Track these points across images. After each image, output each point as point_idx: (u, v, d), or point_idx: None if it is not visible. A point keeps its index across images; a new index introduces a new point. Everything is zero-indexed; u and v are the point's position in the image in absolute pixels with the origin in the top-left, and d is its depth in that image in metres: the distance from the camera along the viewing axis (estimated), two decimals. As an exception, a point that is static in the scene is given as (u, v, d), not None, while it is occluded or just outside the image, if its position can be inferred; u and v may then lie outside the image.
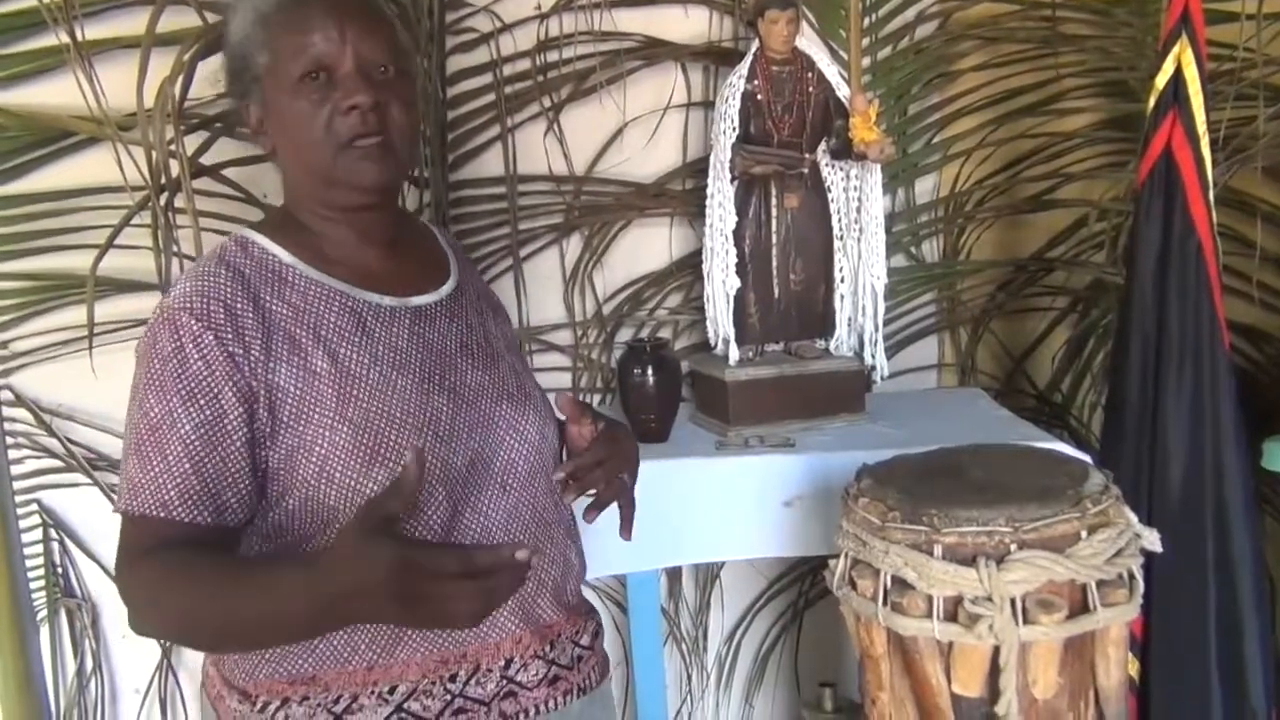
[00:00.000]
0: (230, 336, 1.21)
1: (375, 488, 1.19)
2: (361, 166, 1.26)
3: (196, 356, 1.20)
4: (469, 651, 1.27)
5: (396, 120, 1.27)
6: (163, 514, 1.18)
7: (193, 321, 1.21)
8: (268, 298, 1.26)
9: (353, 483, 1.21)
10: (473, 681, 1.27)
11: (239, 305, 1.23)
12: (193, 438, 1.19)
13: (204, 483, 1.19)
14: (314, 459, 1.21)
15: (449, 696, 1.25)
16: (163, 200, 1.78)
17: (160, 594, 1.18)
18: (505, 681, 1.29)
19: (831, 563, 1.54)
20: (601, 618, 1.47)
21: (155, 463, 1.19)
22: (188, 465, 1.18)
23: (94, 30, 1.92)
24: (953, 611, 1.38)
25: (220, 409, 1.20)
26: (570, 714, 1.35)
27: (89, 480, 2.07)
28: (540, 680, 1.32)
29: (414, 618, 1.07)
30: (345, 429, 1.21)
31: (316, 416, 1.22)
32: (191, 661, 2.19)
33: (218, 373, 1.20)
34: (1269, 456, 1.89)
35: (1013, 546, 1.37)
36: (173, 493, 1.18)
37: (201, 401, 1.20)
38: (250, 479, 1.21)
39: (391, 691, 1.24)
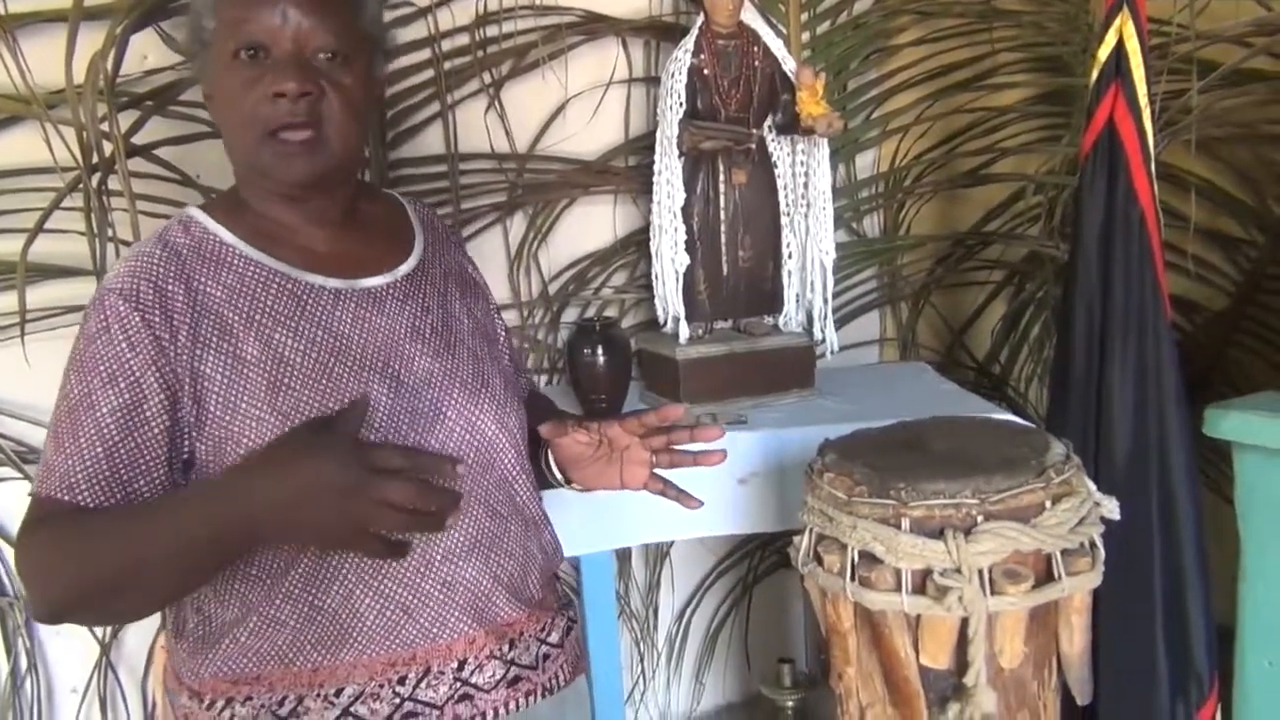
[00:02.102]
0: (158, 320, 1.18)
1: None
2: (287, 162, 1.22)
3: (121, 339, 1.17)
4: (418, 653, 1.22)
5: (333, 110, 1.21)
6: (66, 496, 1.15)
7: (120, 303, 1.18)
8: (203, 280, 1.22)
9: None
10: (423, 684, 1.22)
11: (170, 287, 1.20)
12: (108, 421, 1.15)
13: (115, 468, 1.15)
14: (242, 450, 1.17)
15: (398, 700, 1.21)
16: (95, 181, 1.71)
17: (53, 551, 1.13)
18: (459, 684, 1.24)
19: (796, 539, 1.53)
20: (576, 611, 1.43)
21: (67, 445, 1.16)
22: (100, 449, 1.15)
23: (17, 2, 1.82)
24: (921, 584, 1.38)
25: (140, 394, 1.16)
26: (535, 715, 1.30)
27: (19, 474, 1.98)
28: (498, 681, 1.26)
29: (337, 527, 1.04)
30: (273, 420, 1.17)
31: (245, 407, 1.18)
32: (132, 657, 2.13)
33: (142, 356, 1.16)
34: (1210, 423, 1.92)
35: (979, 518, 1.37)
36: (80, 475, 1.15)
37: (121, 385, 1.16)
38: (165, 468, 1.18)
39: (338, 694, 1.20)
